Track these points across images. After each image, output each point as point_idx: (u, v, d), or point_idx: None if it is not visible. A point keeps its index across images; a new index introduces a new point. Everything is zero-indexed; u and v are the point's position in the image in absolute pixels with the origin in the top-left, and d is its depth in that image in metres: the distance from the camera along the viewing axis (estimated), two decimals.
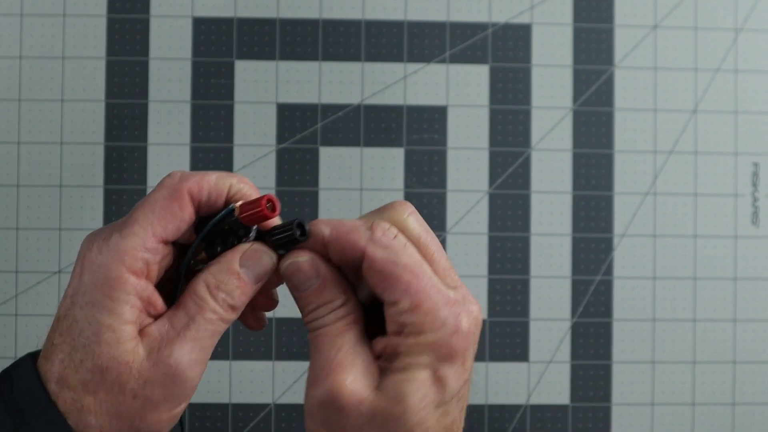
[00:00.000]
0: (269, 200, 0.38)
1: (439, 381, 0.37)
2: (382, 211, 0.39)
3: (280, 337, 0.61)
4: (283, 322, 0.61)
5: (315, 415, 0.37)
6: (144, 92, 0.61)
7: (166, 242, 0.39)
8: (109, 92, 0.61)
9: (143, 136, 0.61)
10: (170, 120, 0.61)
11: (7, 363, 0.40)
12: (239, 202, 0.39)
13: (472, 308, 0.38)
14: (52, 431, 0.36)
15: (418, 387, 0.36)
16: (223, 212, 0.39)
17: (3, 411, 0.37)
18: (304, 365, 0.61)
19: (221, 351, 0.60)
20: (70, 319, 0.37)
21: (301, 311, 0.39)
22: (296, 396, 0.61)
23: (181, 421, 0.42)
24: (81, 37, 0.61)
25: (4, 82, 0.61)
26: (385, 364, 0.37)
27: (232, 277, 0.38)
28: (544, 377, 0.62)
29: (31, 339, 0.60)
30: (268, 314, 0.60)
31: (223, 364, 0.60)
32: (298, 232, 0.38)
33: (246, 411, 0.60)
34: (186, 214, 0.39)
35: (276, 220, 0.40)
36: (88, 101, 0.61)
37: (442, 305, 0.37)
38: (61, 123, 0.61)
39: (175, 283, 0.40)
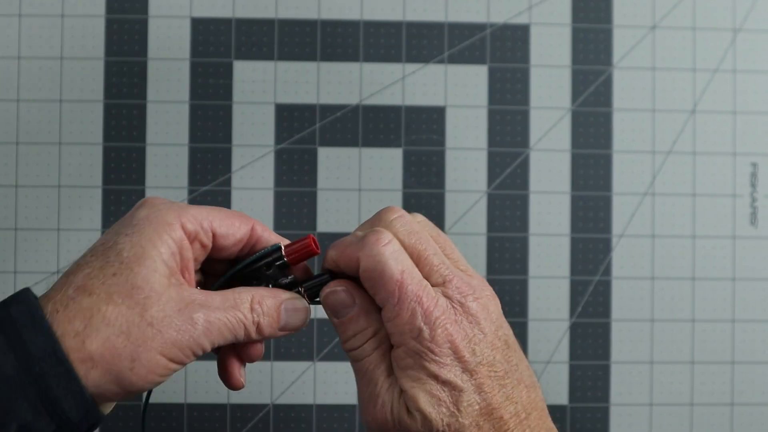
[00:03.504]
0: (313, 240, 0.43)
1: (444, 383, 0.40)
2: (372, 220, 0.42)
3: (279, 338, 0.61)
4: None
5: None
6: (142, 93, 0.61)
7: (205, 243, 0.42)
8: (108, 93, 0.61)
9: (141, 136, 0.61)
10: (169, 120, 0.61)
11: None
12: (285, 242, 0.43)
13: (469, 303, 0.41)
14: (42, 339, 0.37)
15: (429, 399, 0.40)
16: (269, 248, 0.43)
17: None
18: (302, 366, 0.61)
19: None
20: (110, 242, 0.40)
21: (341, 337, 0.42)
22: (294, 397, 0.61)
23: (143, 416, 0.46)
24: (79, 38, 0.61)
25: (2, 82, 0.61)
26: (399, 383, 0.41)
27: (272, 309, 0.42)
28: (542, 377, 0.62)
29: None
30: None
31: None
32: (330, 279, 0.43)
33: (244, 411, 0.60)
34: (239, 234, 0.43)
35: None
36: (87, 102, 0.61)
37: (419, 315, 0.40)
38: (59, 123, 0.61)
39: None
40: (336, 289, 0.42)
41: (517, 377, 0.41)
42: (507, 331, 0.43)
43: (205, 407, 0.60)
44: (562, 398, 0.62)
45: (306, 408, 0.61)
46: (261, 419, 0.60)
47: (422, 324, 0.40)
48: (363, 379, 0.42)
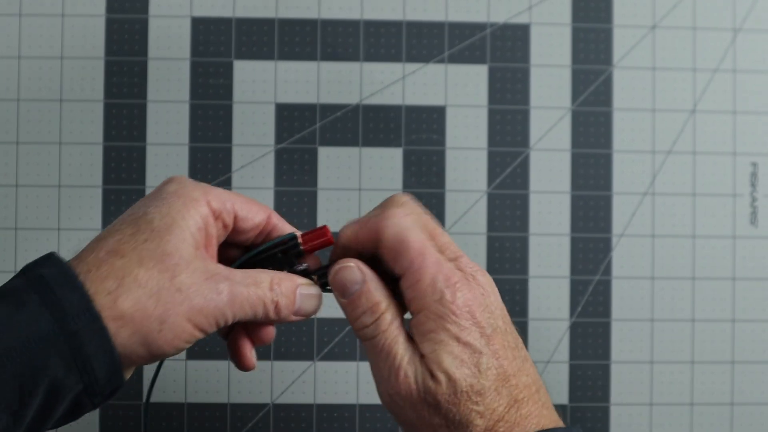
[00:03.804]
0: (328, 230, 0.45)
1: (465, 345, 0.41)
2: (382, 204, 0.44)
3: (279, 338, 0.61)
4: None
5: (398, 407, 0.42)
6: (143, 92, 0.61)
7: (227, 223, 0.44)
8: (108, 92, 0.61)
9: (142, 136, 0.61)
10: (169, 120, 0.61)
11: None
12: (299, 232, 0.45)
13: (478, 277, 0.43)
14: (77, 299, 0.38)
15: (452, 360, 0.41)
16: (286, 236, 0.45)
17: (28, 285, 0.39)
18: (303, 365, 0.61)
19: (219, 351, 0.60)
20: (139, 212, 0.41)
21: (350, 317, 0.43)
22: (294, 396, 0.61)
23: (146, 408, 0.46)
24: (80, 37, 0.61)
25: (2, 82, 0.61)
26: (420, 349, 0.41)
27: (290, 291, 0.43)
28: (542, 377, 0.61)
29: None
30: None
31: (221, 364, 0.60)
32: None
33: (244, 411, 0.60)
34: (257, 220, 0.44)
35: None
36: (87, 101, 0.61)
37: (440, 279, 0.41)
38: (59, 123, 0.61)
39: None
40: (346, 264, 0.43)
41: (524, 354, 0.43)
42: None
43: (206, 407, 0.60)
44: (562, 398, 0.62)
45: (306, 407, 0.61)
46: (261, 419, 0.61)
47: (444, 287, 0.41)
48: (380, 354, 0.42)
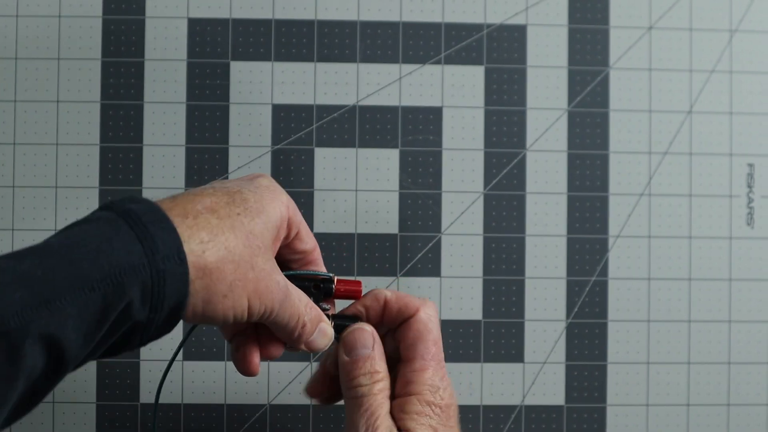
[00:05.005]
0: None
1: None
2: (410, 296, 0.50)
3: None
4: None
5: None
6: (139, 93, 0.61)
7: (290, 235, 0.47)
8: (105, 93, 0.61)
9: (138, 137, 0.61)
10: (165, 121, 0.61)
11: None
12: (335, 276, 0.49)
13: (451, 386, 0.49)
14: (170, 239, 0.39)
15: None
16: (326, 274, 0.49)
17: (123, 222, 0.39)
18: (299, 366, 0.61)
19: (216, 352, 0.60)
20: (234, 189, 0.43)
21: (347, 375, 0.47)
22: (291, 397, 0.61)
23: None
24: (76, 39, 0.61)
25: (0, 83, 0.61)
26: (400, 424, 0.46)
27: (315, 319, 0.46)
28: (539, 378, 0.62)
29: None
30: None
31: (218, 365, 0.61)
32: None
33: (241, 412, 0.60)
34: (307, 247, 0.48)
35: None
36: (84, 102, 0.61)
37: (438, 377, 0.48)
38: (56, 124, 0.61)
39: None
40: (364, 328, 0.48)
41: None
42: None
43: (202, 407, 0.60)
44: (558, 399, 0.62)
45: (303, 408, 0.61)
46: (258, 419, 0.61)
47: (440, 383, 0.47)
48: (363, 414, 0.46)
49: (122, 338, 0.39)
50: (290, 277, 0.46)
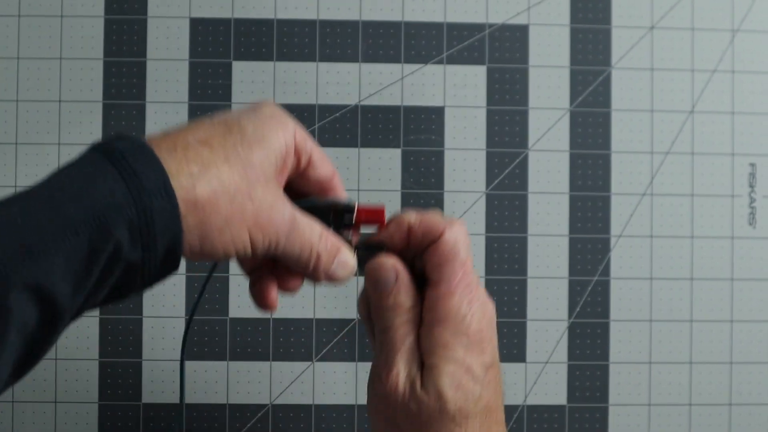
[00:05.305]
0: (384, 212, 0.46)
1: (467, 371, 0.42)
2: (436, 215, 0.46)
3: (278, 338, 0.61)
4: (280, 322, 0.61)
5: (377, 408, 0.43)
6: (141, 93, 0.61)
7: (302, 162, 0.44)
8: (107, 93, 0.61)
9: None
10: (168, 121, 0.61)
11: None
12: (357, 203, 0.46)
13: (488, 307, 0.44)
14: (154, 175, 0.37)
15: (451, 379, 0.42)
16: (346, 201, 0.45)
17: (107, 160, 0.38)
18: (302, 366, 0.61)
19: (218, 351, 0.60)
20: (232, 119, 0.41)
21: (373, 309, 0.44)
22: (293, 397, 0.61)
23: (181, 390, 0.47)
24: (78, 38, 0.61)
25: (2, 83, 0.61)
26: (423, 359, 0.43)
27: (333, 249, 0.44)
28: (541, 378, 0.62)
29: None
30: (267, 316, 0.60)
31: (220, 365, 0.61)
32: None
33: (243, 411, 0.60)
34: (324, 173, 0.45)
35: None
36: (86, 102, 0.61)
37: (466, 302, 0.43)
38: (59, 124, 0.61)
39: None
40: (387, 261, 0.44)
41: (503, 390, 0.45)
42: None
43: (204, 407, 0.60)
44: (560, 398, 0.62)
45: (305, 408, 0.61)
46: (260, 419, 0.61)
47: (467, 310, 0.43)
48: (383, 347, 0.43)
49: (121, 282, 0.38)
50: (307, 208, 0.44)
